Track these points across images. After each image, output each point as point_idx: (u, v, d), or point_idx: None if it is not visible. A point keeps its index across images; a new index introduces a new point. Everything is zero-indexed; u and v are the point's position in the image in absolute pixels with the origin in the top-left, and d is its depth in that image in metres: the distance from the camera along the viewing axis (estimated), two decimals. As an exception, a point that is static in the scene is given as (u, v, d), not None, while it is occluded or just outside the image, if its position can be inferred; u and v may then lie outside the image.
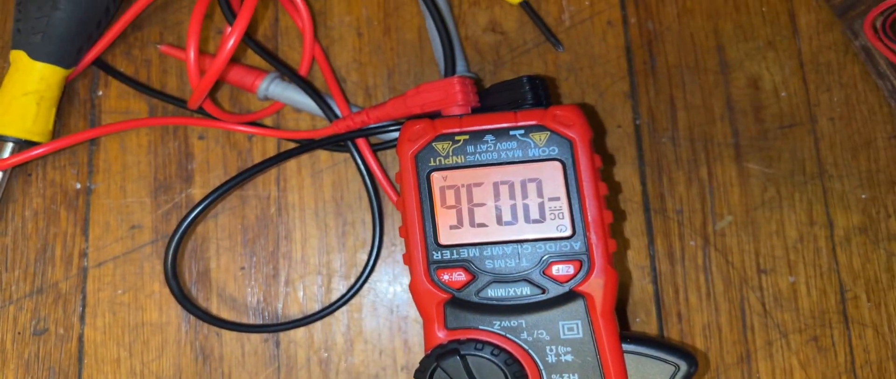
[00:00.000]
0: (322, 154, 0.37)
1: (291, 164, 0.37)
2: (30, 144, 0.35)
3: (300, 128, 0.37)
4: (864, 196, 0.35)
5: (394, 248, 0.36)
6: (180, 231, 0.33)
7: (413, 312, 0.35)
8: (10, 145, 0.35)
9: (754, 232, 0.35)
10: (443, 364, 0.27)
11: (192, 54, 0.30)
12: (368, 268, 0.35)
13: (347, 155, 0.36)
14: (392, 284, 0.35)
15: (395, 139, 0.34)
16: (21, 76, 0.34)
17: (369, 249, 0.35)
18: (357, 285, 0.35)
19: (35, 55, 0.34)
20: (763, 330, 0.35)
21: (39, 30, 0.34)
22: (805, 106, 0.36)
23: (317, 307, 0.35)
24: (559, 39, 0.36)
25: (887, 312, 0.35)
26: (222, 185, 0.34)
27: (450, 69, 0.33)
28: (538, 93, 0.29)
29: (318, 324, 0.35)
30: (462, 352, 0.27)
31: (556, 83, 0.36)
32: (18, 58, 0.34)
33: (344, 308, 0.35)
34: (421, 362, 0.28)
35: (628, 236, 0.35)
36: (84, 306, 0.36)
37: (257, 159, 0.37)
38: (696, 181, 0.36)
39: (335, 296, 0.35)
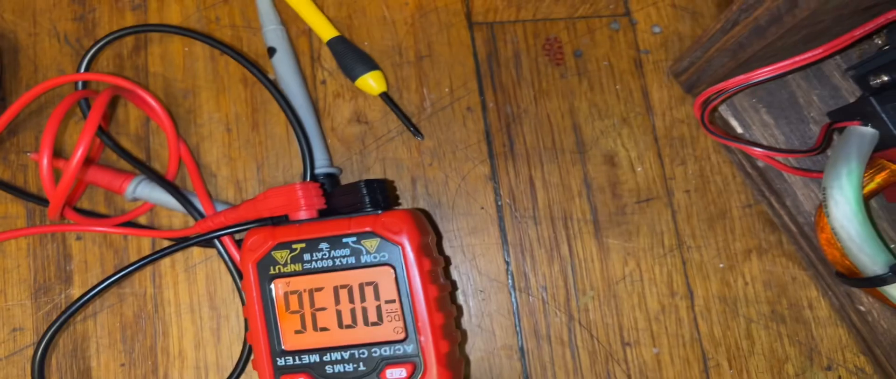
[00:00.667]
0: (194, 249, 0.37)
1: (165, 261, 0.37)
2: None
3: (173, 225, 0.37)
4: (721, 265, 0.36)
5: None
6: (48, 335, 0.33)
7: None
8: None
9: (617, 306, 0.36)
10: None
11: (45, 164, 0.30)
12: (242, 361, 0.35)
13: (214, 251, 0.37)
14: (269, 374, 0.36)
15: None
16: None
17: (243, 342, 0.36)
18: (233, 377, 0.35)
19: None
20: (629, 403, 0.35)
21: None
22: (661, 180, 0.37)
23: (196, 400, 0.36)
24: (419, 128, 0.37)
25: (749, 378, 0.35)
26: (95, 287, 0.34)
27: (308, 166, 0.34)
28: (376, 197, 0.30)
29: (198, 418, 0.35)
30: (304, 458, 0.28)
31: (421, 169, 0.37)
32: None
33: (223, 402, 0.36)
34: None
35: (495, 315, 0.36)
36: (-32, 412, 0.36)
37: (134, 257, 0.37)
38: (558, 258, 0.36)
39: (216, 389, 0.36)
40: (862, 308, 0.33)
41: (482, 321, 0.36)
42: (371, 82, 0.37)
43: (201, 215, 0.35)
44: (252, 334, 0.30)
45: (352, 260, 0.29)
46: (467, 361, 0.35)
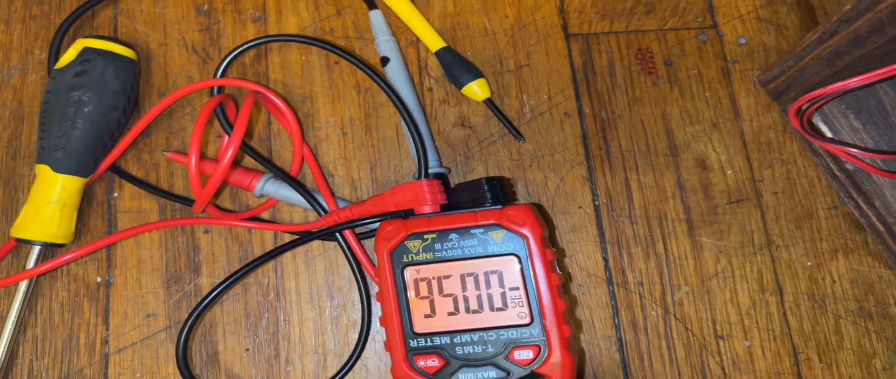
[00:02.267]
0: (314, 243, 0.40)
1: (287, 254, 0.40)
2: (55, 246, 0.39)
3: (294, 221, 0.40)
4: (809, 263, 0.38)
5: (382, 327, 0.38)
6: (188, 324, 0.36)
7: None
8: (37, 248, 0.38)
9: (710, 300, 0.38)
10: (420, 443, 0.30)
11: (193, 165, 0.33)
12: (359, 347, 0.37)
13: (334, 243, 0.39)
14: (380, 361, 0.38)
15: (372, 231, 0.37)
16: (45, 187, 0.38)
17: (359, 329, 0.38)
18: (349, 363, 0.37)
19: (57, 168, 0.38)
20: (723, 394, 0.37)
21: (60, 147, 0.37)
22: (750, 182, 0.39)
23: (313, 383, 0.38)
24: (520, 131, 0.39)
25: (838, 371, 0.36)
26: (226, 280, 0.37)
27: (422, 166, 0.36)
28: (496, 192, 0.32)
29: (316, 399, 0.38)
30: (437, 432, 0.30)
31: (521, 171, 0.39)
32: (43, 171, 0.38)
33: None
34: (401, 441, 0.31)
35: (594, 308, 0.38)
36: (105, 390, 0.39)
37: (257, 250, 0.40)
38: (654, 255, 0.38)
39: (330, 373, 0.38)
40: (952, 304, 0.34)
41: (582, 313, 0.37)
42: (476, 89, 0.39)
43: (324, 211, 0.38)
44: (385, 318, 0.32)
45: (479, 249, 0.31)
46: (582, 353, 0.37)
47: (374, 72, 0.39)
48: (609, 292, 0.38)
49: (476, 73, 0.39)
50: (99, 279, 0.40)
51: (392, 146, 0.40)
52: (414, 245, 0.32)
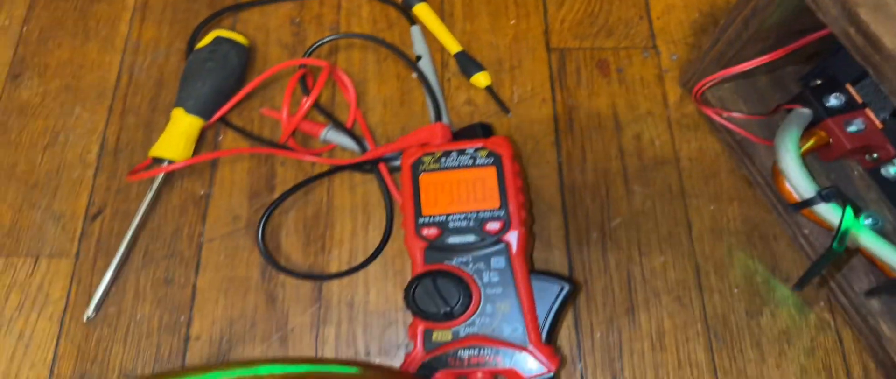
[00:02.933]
0: (356, 175, 0.55)
1: (336, 180, 0.55)
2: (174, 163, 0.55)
3: (342, 158, 0.56)
4: (712, 207, 0.51)
5: (397, 235, 0.53)
6: (270, 210, 0.51)
7: (408, 273, 0.51)
8: (166, 162, 0.55)
9: (637, 228, 0.51)
10: (421, 282, 0.44)
11: (285, 113, 0.50)
12: (382, 245, 0.52)
13: (371, 176, 0.55)
14: (396, 256, 0.52)
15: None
16: (178, 122, 0.55)
17: (383, 235, 0.52)
18: (373, 256, 0.52)
19: (188, 110, 0.54)
20: (643, 292, 0.49)
21: (193, 97, 0.55)
22: (672, 151, 0.53)
23: (347, 268, 0.52)
24: (508, 108, 0.55)
25: (728, 282, 0.49)
26: (294, 187, 0.52)
27: (436, 115, 0.52)
28: (487, 130, 0.48)
29: (348, 278, 0.52)
30: (433, 275, 0.44)
31: (508, 135, 0.55)
32: (178, 112, 0.55)
33: (365, 270, 0.52)
34: (408, 282, 0.45)
35: (552, 231, 0.52)
36: (198, 266, 0.53)
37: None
38: (598, 197, 0.52)
39: (359, 262, 0.52)
40: (806, 231, 0.47)
41: (539, 231, 0.51)
42: (480, 79, 0.56)
43: (366, 149, 0.54)
44: (404, 206, 0.47)
45: (470, 162, 0.46)
46: (531, 234, 0.50)
47: (411, 60, 0.56)
48: (563, 222, 0.52)
49: (480, 68, 0.56)
50: (202, 192, 0.56)
51: (417, 116, 0.57)
52: (427, 159, 0.47)
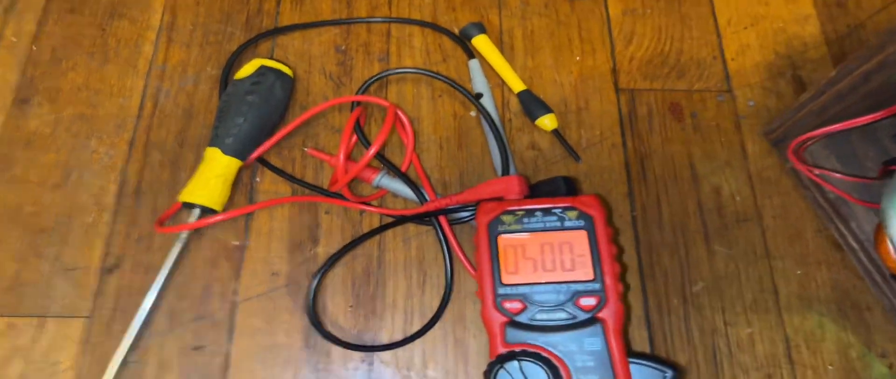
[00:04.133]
0: (411, 227, 0.48)
1: (389, 234, 0.48)
2: (211, 212, 0.47)
3: (396, 208, 0.49)
4: (799, 272, 0.46)
5: (459, 294, 0.46)
6: (320, 274, 0.44)
7: (473, 343, 0.45)
8: (197, 211, 0.47)
9: (720, 295, 0.46)
10: (505, 365, 0.37)
11: (342, 157, 0.42)
12: (441, 309, 0.45)
13: (428, 228, 0.48)
14: (457, 323, 0.46)
15: (466, 218, 0.46)
16: (214, 164, 0.47)
17: (442, 296, 0.46)
18: (432, 322, 0.45)
19: (226, 151, 0.47)
20: (730, 368, 0.44)
21: (231, 134, 0.47)
22: (754, 207, 0.48)
23: (401, 337, 0.45)
24: (578, 155, 0.49)
25: (822, 357, 0.44)
26: (348, 245, 0.45)
27: (506, 166, 0.46)
28: (570, 187, 0.42)
29: (403, 350, 0.45)
30: (518, 357, 0.37)
31: (578, 184, 0.49)
32: (213, 153, 0.47)
33: (423, 338, 0.45)
34: (488, 365, 0.38)
35: (629, 298, 0.46)
36: (232, 331, 0.46)
37: (366, 229, 0.48)
38: (677, 257, 0.47)
39: (415, 328, 0.45)
40: (909, 304, 0.42)
41: (621, 296, 0.46)
42: (546, 122, 0.49)
43: (426, 199, 0.47)
44: (480, 272, 0.40)
45: (558, 224, 0.40)
46: (628, 308, 0.45)
47: (472, 97, 0.49)
48: (640, 284, 0.46)
49: (547, 109, 0.50)
50: (236, 243, 0.48)
51: (477, 160, 0.50)
52: (507, 219, 0.41)
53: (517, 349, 0.38)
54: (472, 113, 0.51)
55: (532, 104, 0.50)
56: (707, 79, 0.52)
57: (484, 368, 0.43)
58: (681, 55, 0.53)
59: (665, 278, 0.46)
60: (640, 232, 0.47)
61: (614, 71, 0.53)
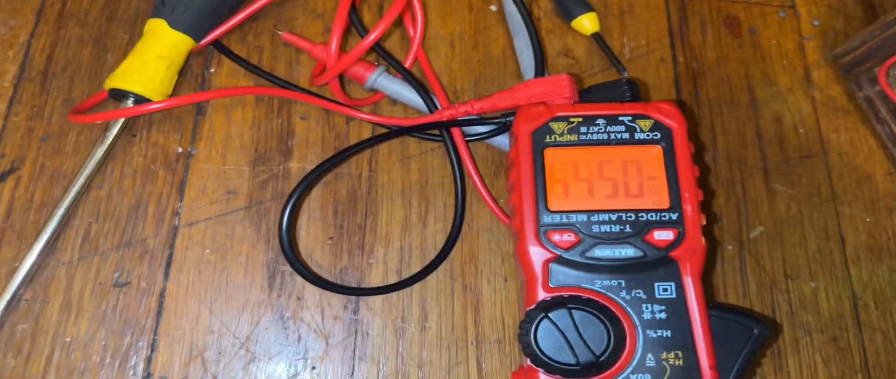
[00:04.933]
0: (411, 142, 0.37)
1: (383, 149, 0.37)
2: (148, 103, 0.34)
3: (395, 116, 0.37)
4: (868, 219, 0.38)
5: (470, 229, 0.36)
6: (296, 194, 0.32)
7: (487, 290, 0.34)
8: (131, 100, 0.34)
9: (781, 242, 0.37)
10: (551, 315, 0.27)
11: (335, 41, 0.30)
12: (448, 246, 0.34)
13: (434, 145, 0.37)
14: (468, 263, 0.35)
15: (487, 134, 0.35)
16: (157, 42, 0.34)
17: (449, 230, 0.35)
18: (436, 262, 0.34)
19: (174, 25, 0.34)
20: (791, 328, 0.36)
21: (184, 4, 0.34)
22: (819, 142, 0.40)
23: (396, 279, 0.34)
24: (624, 66, 0.39)
25: (892, 319, 0.37)
26: (336, 156, 0.33)
27: (541, 70, 0.35)
28: (636, 92, 0.32)
29: (397, 295, 0.34)
30: (570, 305, 0.27)
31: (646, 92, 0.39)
32: (158, 26, 0.34)
33: (422, 282, 0.35)
34: (527, 313, 0.28)
35: (679, 236, 0.37)
36: (169, 263, 0.34)
37: (354, 141, 0.37)
38: (733, 196, 0.38)
39: (415, 270, 0.35)
40: None
41: (669, 238, 0.36)
42: (585, 23, 0.39)
43: (436, 107, 0.35)
44: (520, 195, 0.30)
45: (626, 136, 0.30)
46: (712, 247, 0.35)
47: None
48: (694, 224, 0.37)
49: (587, 7, 0.39)
50: (180, 149, 0.36)
51: (497, 64, 0.39)
52: (559, 127, 0.30)
53: (566, 294, 0.28)
54: (492, 7, 0.40)
55: (569, 0, 0.39)
56: (767, -9, 0.43)
57: (518, 317, 0.33)
58: (738, -39, 0.44)
59: (719, 221, 0.37)
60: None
61: (663, -28, 0.43)
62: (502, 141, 0.36)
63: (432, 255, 0.35)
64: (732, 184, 0.38)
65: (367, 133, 0.37)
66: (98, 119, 0.32)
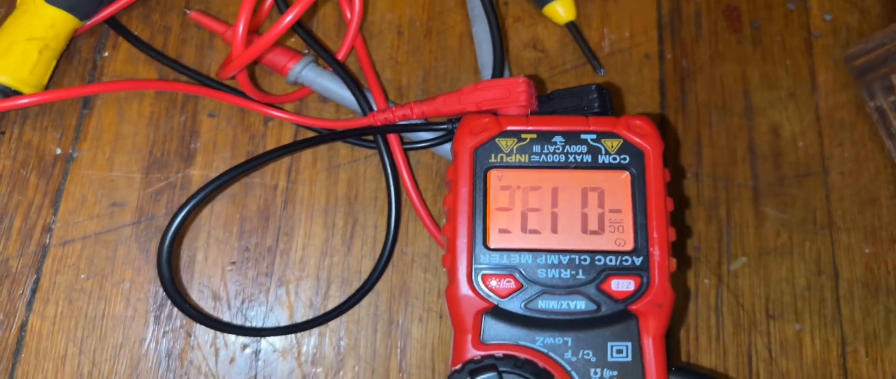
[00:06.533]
0: (342, 148, 0.33)
1: (307, 156, 0.33)
2: (15, 94, 0.30)
3: (323, 118, 0.33)
4: (867, 251, 0.35)
5: (404, 257, 0.32)
6: (187, 207, 0.28)
7: (416, 331, 0.31)
8: (-2, 91, 0.29)
9: (766, 276, 0.34)
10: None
11: (242, 22, 0.26)
12: (375, 276, 0.31)
13: (367, 152, 0.33)
14: (398, 297, 0.32)
15: (430, 142, 0.31)
16: (29, 19, 0.29)
17: (379, 256, 0.31)
18: (358, 294, 0.31)
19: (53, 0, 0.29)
20: (766, 377, 0.33)
21: (63, -30, 0.29)
22: (819, 158, 0.36)
23: (310, 315, 0.31)
24: (601, 63, 0.35)
25: (883, 368, 0.34)
26: (246, 163, 0.29)
27: (498, 71, 0.31)
28: (605, 102, 0.28)
29: (308, 334, 0.31)
30: (500, 368, 0.24)
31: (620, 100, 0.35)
32: (34, 1, 0.29)
33: (340, 319, 0.31)
34: (451, 375, 0.25)
35: (651, 267, 0.33)
36: (35, 290, 0.30)
37: (271, 146, 0.33)
38: (715, 221, 0.35)
39: (332, 304, 0.31)
40: None
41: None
42: (560, 10, 0.35)
43: (370, 108, 0.31)
44: (451, 226, 0.26)
45: (588, 158, 0.26)
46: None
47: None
48: (668, 252, 0.34)
49: (561, -9, 0.35)
50: (58, 151, 0.31)
51: (452, 56, 0.35)
52: (507, 144, 0.26)
53: (499, 353, 0.25)
54: (450, -16, 0.36)
55: (539, -18, 0.35)
56: (773, -23, 0.39)
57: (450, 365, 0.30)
58: (743, -61, 0.39)
59: (697, 248, 0.34)
60: (672, 182, 0.34)
61: (653, -50, 0.38)
62: (449, 149, 0.32)
63: (355, 285, 0.31)
64: (716, 206, 0.35)
65: (288, 135, 0.33)
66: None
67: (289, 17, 0.27)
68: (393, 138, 0.31)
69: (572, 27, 0.35)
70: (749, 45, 0.37)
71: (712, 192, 0.35)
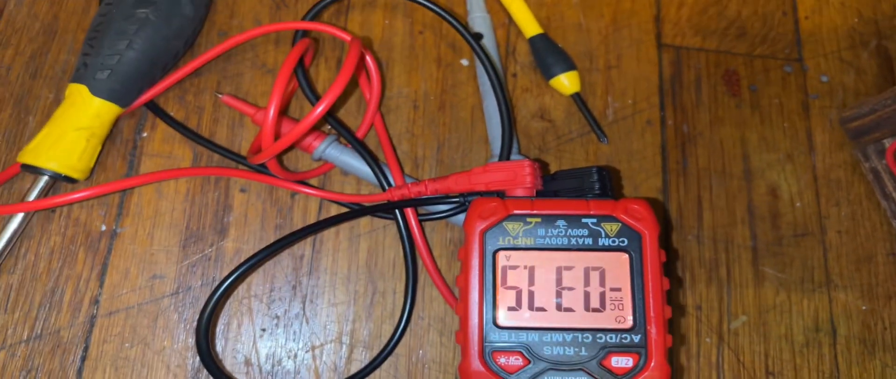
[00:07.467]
0: (362, 219, 0.37)
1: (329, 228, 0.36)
2: (67, 181, 0.34)
3: (345, 191, 0.37)
4: (864, 307, 0.38)
5: (421, 320, 0.36)
6: (227, 282, 0.31)
7: (441, 387, 0.35)
8: (44, 179, 0.33)
9: (765, 333, 0.37)
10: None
11: (271, 118, 0.30)
12: (394, 340, 0.34)
13: (386, 222, 0.36)
14: (418, 359, 0.35)
15: (444, 213, 0.35)
16: (76, 111, 0.33)
17: (398, 320, 0.35)
18: (381, 357, 0.34)
19: (96, 91, 0.33)
20: (770, 434, 0.36)
21: (108, 67, 0.33)
22: (816, 218, 0.39)
23: (335, 378, 0.34)
24: (604, 132, 0.38)
25: (881, 421, 0.37)
26: (280, 241, 0.32)
27: (506, 151, 0.34)
28: (606, 184, 0.31)
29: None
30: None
31: (619, 181, 0.38)
32: (78, 92, 0.33)
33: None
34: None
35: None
36: (84, 358, 0.33)
37: (298, 218, 0.36)
38: (716, 281, 0.38)
39: (356, 368, 0.35)
40: None
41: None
42: (565, 81, 0.38)
43: (390, 184, 0.35)
44: (465, 304, 0.29)
45: (588, 241, 0.29)
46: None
47: (470, 37, 0.36)
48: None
49: (569, 65, 0.38)
50: (104, 227, 0.35)
51: (464, 128, 0.38)
52: (513, 228, 0.30)
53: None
54: (464, 61, 0.39)
55: (549, 55, 0.38)
56: (773, 41, 0.42)
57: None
58: (743, 6, 0.42)
59: (699, 306, 0.37)
60: (674, 242, 0.38)
61: (658, 20, 0.41)
62: (461, 220, 0.35)
63: (376, 349, 0.35)
64: (716, 267, 0.38)
65: (313, 207, 0.37)
66: (8, 211, 0.32)
67: (319, 109, 0.31)
68: (410, 211, 0.35)
69: (577, 98, 0.38)
70: (748, 108, 0.40)
71: (713, 253, 0.38)
